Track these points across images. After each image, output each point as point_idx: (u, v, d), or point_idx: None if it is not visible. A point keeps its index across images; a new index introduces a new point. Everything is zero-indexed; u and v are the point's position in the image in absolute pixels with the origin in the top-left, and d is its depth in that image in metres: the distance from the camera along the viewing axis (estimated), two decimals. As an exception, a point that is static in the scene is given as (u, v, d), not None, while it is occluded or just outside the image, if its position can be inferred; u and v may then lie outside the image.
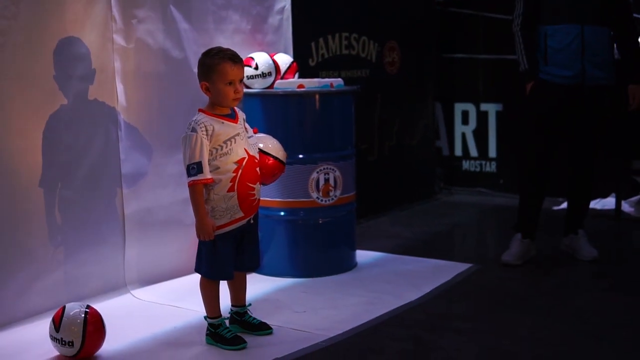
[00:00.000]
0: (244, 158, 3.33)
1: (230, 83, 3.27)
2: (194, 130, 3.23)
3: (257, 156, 3.43)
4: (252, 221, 3.42)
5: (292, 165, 4.27)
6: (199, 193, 3.25)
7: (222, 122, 3.30)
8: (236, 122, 3.35)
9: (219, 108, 3.32)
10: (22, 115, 3.61)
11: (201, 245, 3.37)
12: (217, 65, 3.27)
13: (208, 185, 3.26)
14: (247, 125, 3.46)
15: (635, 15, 4.57)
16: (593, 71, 4.36)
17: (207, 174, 3.23)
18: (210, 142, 3.24)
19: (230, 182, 3.29)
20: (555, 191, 6.34)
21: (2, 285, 3.58)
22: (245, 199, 3.34)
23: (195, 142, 3.21)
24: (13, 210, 3.61)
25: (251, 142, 3.42)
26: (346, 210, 4.55)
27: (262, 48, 4.73)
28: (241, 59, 3.37)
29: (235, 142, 3.31)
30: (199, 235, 3.29)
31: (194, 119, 3.28)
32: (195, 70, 4.29)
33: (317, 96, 4.40)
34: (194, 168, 3.21)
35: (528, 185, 4.66)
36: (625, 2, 4.45)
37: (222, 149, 3.28)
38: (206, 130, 3.23)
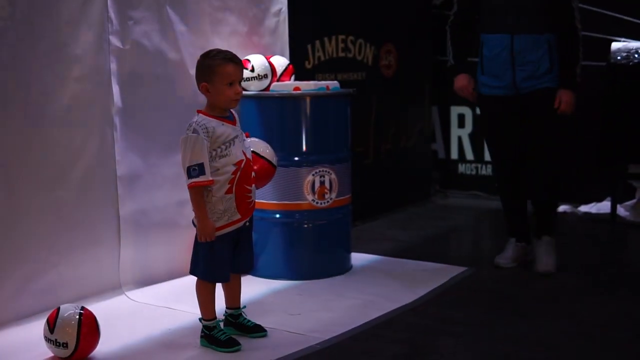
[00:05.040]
0: (242, 160, 3.32)
1: (230, 84, 3.27)
2: (195, 131, 3.22)
3: (251, 159, 3.43)
4: (247, 223, 3.42)
5: (287, 167, 4.28)
6: (200, 195, 3.24)
7: (222, 124, 3.29)
8: (235, 124, 3.36)
9: (217, 109, 3.32)
10: (17, 116, 3.61)
11: (198, 248, 3.36)
12: (218, 66, 3.27)
13: (207, 187, 3.25)
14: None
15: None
16: (525, 80, 4.32)
17: (208, 176, 3.22)
18: (210, 143, 3.24)
19: (229, 183, 3.29)
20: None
21: (-4, 286, 3.58)
22: (243, 201, 3.34)
23: (197, 143, 3.20)
24: (8, 211, 3.60)
25: (246, 146, 3.42)
26: (342, 213, 4.55)
27: (258, 50, 4.73)
28: (241, 60, 3.38)
29: (234, 144, 3.30)
30: (200, 237, 3.28)
31: (194, 120, 3.27)
32: (192, 71, 4.30)
33: (313, 99, 4.40)
34: (195, 170, 3.20)
35: (501, 190, 4.69)
36: (569, 8, 4.31)
37: (222, 151, 3.27)
38: (207, 132, 3.23)
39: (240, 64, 3.35)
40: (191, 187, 3.23)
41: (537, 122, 4.40)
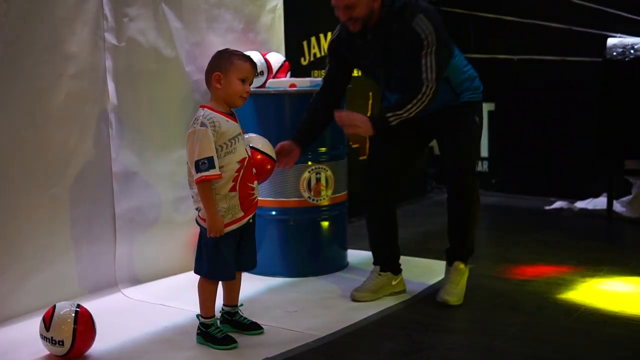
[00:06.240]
0: (245, 158, 3.31)
1: (243, 80, 3.27)
2: (203, 124, 3.19)
3: (251, 155, 3.42)
4: (250, 221, 3.40)
5: (283, 164, 4.27)
6: (209, 189, 3.21)
7: (227, 120, 3.28)
8: (236, 122, 3.34)
9: (222, 105, 3.30)
10: (13, 113, 3.59)
11: (202, 247, 3.35)
12: (238, 59, 3.28)
13: (213, 182, 3.22)
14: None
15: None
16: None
17: (217, 170, 3.19)
18: (216, 138, 3.21)
19: (232, 181, 3.27)
20: (546, 190, 6.40)
21: (-8, 284, 3.57)
22: (246, 198, 3.33)
23: (205, 137, 3.17)
24: (3, 208, 3.59)
25: (245, 143, 3.40)
26: (338, 210, 4.55)
27: (254, 47, 4.72)
28: (256, 64, 3.40)
29: (238, 142, 3.29)
30: (209, 233, 3.25)
31: (200, 114, 3.24)
32: (187, 68, 4.33)
33: (309, 95, 4.38)
34: (204, 163, 3.16)
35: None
36: (419, 63, 3.67)
37: (227, 148, 3.24)
38: (214, 126, 3.20)
39: (256, 69, 3.38)
40: (200, 182, 3.19)
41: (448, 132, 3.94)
